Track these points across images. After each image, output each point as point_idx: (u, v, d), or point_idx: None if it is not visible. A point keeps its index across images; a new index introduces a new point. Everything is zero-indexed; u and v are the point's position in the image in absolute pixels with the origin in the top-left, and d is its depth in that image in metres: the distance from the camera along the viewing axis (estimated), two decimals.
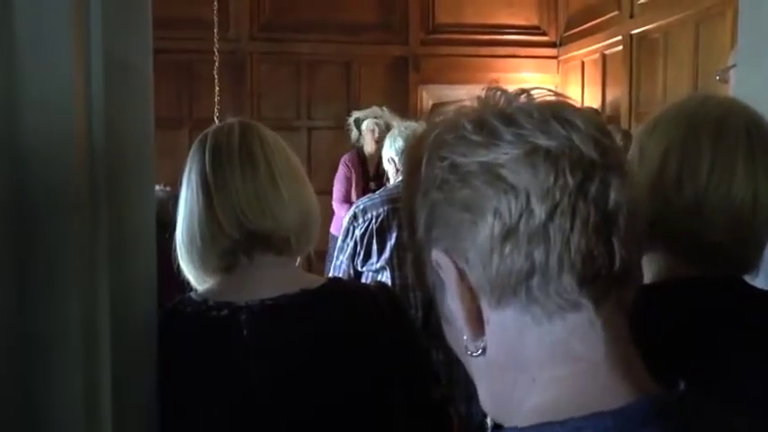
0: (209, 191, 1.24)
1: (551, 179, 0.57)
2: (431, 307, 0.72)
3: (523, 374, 0.61)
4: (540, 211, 0.57)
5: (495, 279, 0.59)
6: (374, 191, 5.20)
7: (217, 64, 3.89)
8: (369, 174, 5.32)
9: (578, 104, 0.65)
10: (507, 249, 0.58)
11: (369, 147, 5.33)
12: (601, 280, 0.58)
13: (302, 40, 6.46)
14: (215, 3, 3.93)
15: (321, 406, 1.21)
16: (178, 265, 1.30)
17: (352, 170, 5.25)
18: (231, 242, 1.23)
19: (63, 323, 0.98)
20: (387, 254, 2.52)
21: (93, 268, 1.01)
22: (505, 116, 0.61)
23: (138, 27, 1.17)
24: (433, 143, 0.64)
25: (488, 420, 0.69)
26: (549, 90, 0.66)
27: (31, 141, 0.94)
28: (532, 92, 0.65)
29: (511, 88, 0.66)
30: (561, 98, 0.65)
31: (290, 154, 1.33)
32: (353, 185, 5.22)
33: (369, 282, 2.57)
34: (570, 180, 0.57)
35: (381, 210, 2.54)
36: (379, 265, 2.52)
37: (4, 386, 0.95)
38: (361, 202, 2.61)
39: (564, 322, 0.59)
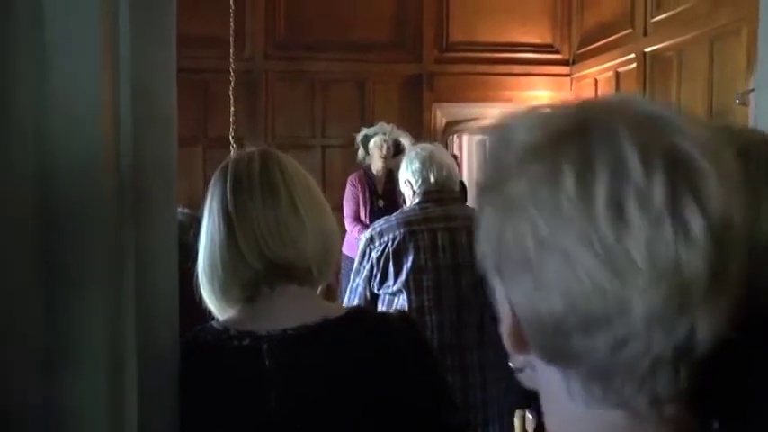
0: (230, 220, 1.25)
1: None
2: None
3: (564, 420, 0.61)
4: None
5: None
6: (382, 208, 5.25)
7: (233, 83, 3.90)
8: (377, 192, 5.32)
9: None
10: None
11: (376, 164, 5.33)
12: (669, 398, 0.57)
13: (316, 58, 6.50)
14: (231, 22, 3.95)
15: None
16: (200, 295, 1.31)
17: (359, 189, 5.26)
18: (253, 273, 1.24)
19: (89, 340, 1.00)
20: (403, 276, 2.51)
21: (120, 292, 1.03)
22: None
23: (164, 52, 1.19)
24: (523, 194, 0.56)
25: None
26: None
27: (60, 162, 0.97)
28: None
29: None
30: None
31: (311, 182, 1.34)
32: (361, 204, 5.22)
33: (385, 304, 2.57)
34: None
35: (398, 232, 2.54)
36: (395, 288, 2.52)
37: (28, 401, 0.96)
38: (377, 225, 2.61)
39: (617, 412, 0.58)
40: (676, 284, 0.52)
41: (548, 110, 0.60)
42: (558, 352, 0.57)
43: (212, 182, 1.32)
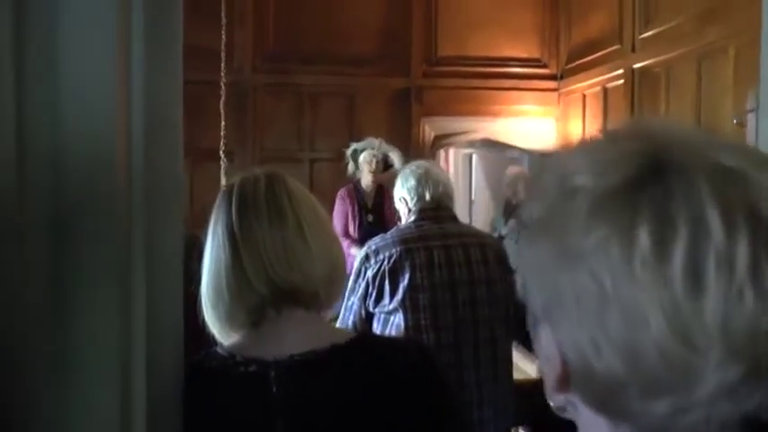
0: (235, 243, 1.23)
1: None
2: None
3: None
4: None
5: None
6: (371, 223, 5.24)
7: (223, 96, 3.87)
8: (367, 206, 5.31)
9: None
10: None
11: (365, 179, 5.33)
12: None
13: (305, 71, 6.49)
14: (223, 35, 3.93)
15: None
16: (203, 319, 1.28)
17: (348, 203, 5.25)
18: (259, 297, 1.21)
19: (98, 348, 1.00)
20: (399, 295, 2.49)
21: (129, 297, 1.03)
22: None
23: (172, 69, 1.18)
24: (589, 248, 0.52)
25: None
26: None
27: (71, 171, 0.98)
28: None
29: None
30: None
31: (317, 205, 1.32)
32: (350, 219, 5.20)
33: (380, 323, 2.55)
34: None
35: (394, 250, 2.52)
36: (391, 307, 2.49)
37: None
38: (373, 243, 2.59)
39: None
40: (753, 359, 0.49)
41: (606, 144, 0.56)
42: (611, 408, 0.55)
43: (216, 203, 1.30)
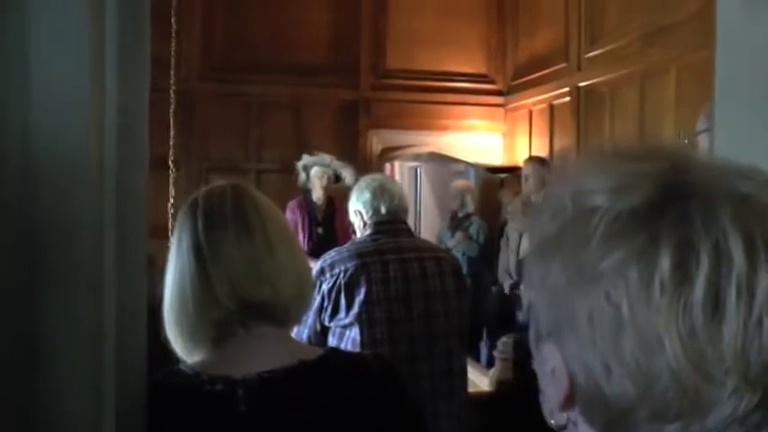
0: (203, 260, 1.20)
1: None
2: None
3: None
4: None
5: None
6: (321, 235, 5.21)
7: (173, 105, 3.79)
8: (317, 219, 5.29)
9: None
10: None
11: (317, 193, 5.32)
12: None
13: (253, 81, 6.43)
14: (173, 42, 3.85)
15: None
16: (164, 336, 1.25)
17: (299, 216, 5.22)
18: (225, 312, 1.19)
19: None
20: (355, 309, 2.47)
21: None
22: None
23: (140, 76, 1.16)
24: (606, 270, 0.51)
25: None
26: None
27: (45, 169, 0.97)
28: None
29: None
30: None
31: (283, 219, 1.30)
32: (300, 231, 5.17)
33: (336, 337, 2.53)
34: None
35: (350, 264, 2.51)
36: (347, 321, 2.47)
37: None
38: (328, 257, 2.57)
39: None
40: (767, 390, 0.49)
41: (622, 162, 0.55)
42: (617, 430, 0.54)
43: (180, 218, 1.27)
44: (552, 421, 0.61)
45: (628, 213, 0.52)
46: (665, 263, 0.49)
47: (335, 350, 1.34)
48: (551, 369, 0.58)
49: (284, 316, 1.23)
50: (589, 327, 0.52)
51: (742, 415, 0.49)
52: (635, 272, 0.50)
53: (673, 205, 0.51)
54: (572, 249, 0.54)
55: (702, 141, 2.07)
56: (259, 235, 1.22)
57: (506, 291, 5.40)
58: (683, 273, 0.49)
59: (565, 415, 0.59)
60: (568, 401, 0.58)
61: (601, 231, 0.52)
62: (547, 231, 0.57)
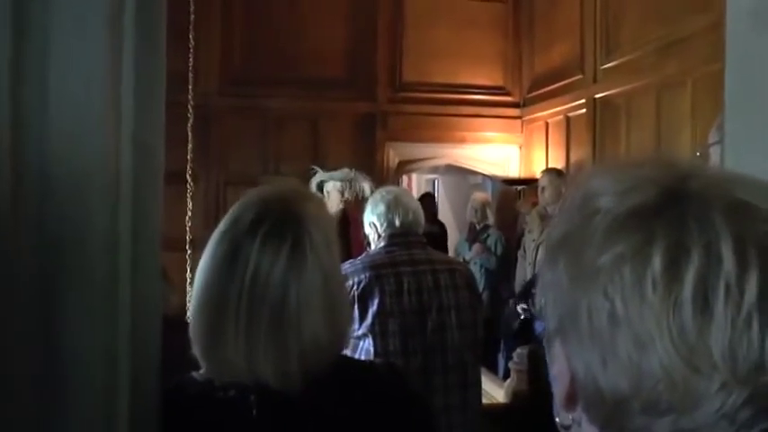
0: (246, 284, 1.18)
1: None
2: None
3: None
4: None
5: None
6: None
7: (191, 119, 3.84)
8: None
9: None
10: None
11: (334, 207, 5.29)
12: None
13: (270, 95, 6.48)
14: (191, 58, 3.91)
15: None
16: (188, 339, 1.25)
17: None
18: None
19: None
20: (369, 320, 2.49)
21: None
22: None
23: (156, 92, 1.18)
24: (603, 267, 0.53)
25: None
26: None
27: (63, 181, 1.00)
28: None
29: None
30: None
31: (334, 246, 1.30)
32: None
33: (349, 349, 2.54)
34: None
35: (363, 276, 2.53)
36: (360, 332, 2.49)
37: None
38: (342, 268, 2.58)
39: None
40: (757, 386, 0.50)
41: (630, 169, 0.58)
42: (615, 425, 0.56)
43: (234, 220, 1.26)
44: (558, 420, 0.63)
45: (627, 213, 0.54)
46: (657, 261, 0.51)
47: (345, 357, 1.36)
48: (557, 368, 0.61)
49: None
50: (589, 323, 0.54)
51: (731, 410, 0.50)
52: (629, 268, 0.52)
53: (670, 207, 0.53)
54: (575, 248, 0.56)
55: (714, 154, 2.08)
56: (310, 269, 1.20)
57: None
58: (674, 271, 0.50)
59: (570, 415, 0.61)
60: (571, 400, 0.59)
61: (601, 230, 0.55)
62: (556, 234, 0.60)
